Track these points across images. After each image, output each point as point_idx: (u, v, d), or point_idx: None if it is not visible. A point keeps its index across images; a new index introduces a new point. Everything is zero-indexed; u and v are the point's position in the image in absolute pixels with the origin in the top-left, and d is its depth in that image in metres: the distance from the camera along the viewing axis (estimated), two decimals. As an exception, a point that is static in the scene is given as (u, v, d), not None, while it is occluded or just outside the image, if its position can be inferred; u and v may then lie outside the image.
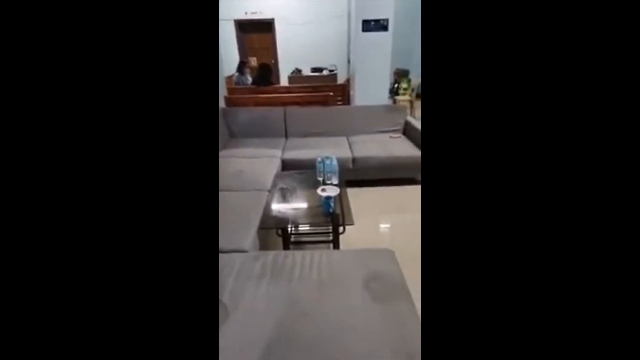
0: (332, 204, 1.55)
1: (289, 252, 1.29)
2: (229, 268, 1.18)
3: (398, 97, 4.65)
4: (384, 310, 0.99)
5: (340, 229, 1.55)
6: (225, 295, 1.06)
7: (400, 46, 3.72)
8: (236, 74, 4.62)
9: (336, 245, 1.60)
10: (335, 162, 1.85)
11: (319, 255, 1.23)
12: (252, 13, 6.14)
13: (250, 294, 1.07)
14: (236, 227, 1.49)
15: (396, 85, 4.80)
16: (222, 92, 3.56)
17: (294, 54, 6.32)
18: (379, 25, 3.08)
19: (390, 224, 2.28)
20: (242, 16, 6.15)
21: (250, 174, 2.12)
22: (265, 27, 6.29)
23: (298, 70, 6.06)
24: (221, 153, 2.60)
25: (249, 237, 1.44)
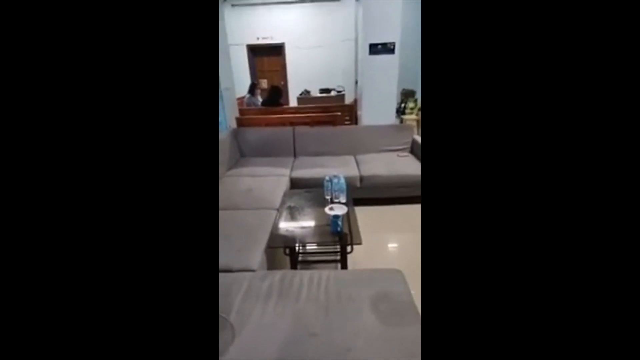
0: (340, 223, 1.56)
1: (297, 272, 1.29)
2: (237, 287, 1.18)
3: (405, 117, 4.70)
4: (393, 332, 0.98)
5: (348, 248, 1.54)
6: (232, 314, 1.06)
7: (406, 68, 3.82)
8: (247, 96, 4.78)
9: (344, 265, 1.59)
10: (343, 181, 1.87)
11: (327, 275, 1.23)
12: (264, 38, 6.42)
13: (258, 313, 1.06)
14: (244, 245, 1.50)
15: (403, 105, 4.87)
16: (234, 113, 3.68)
17: (303, 75, 6.52)
18: (386, 48, 3.18)
19: (398, 243, 2.25)
20: (253, 41, 6.43)
21: (259, 192, 2.15)
22: (275, 50, 6.55)
23: (307, 92, 6.23)
24: (231, 172, 2.66)
25: (257, 256, 1.45)
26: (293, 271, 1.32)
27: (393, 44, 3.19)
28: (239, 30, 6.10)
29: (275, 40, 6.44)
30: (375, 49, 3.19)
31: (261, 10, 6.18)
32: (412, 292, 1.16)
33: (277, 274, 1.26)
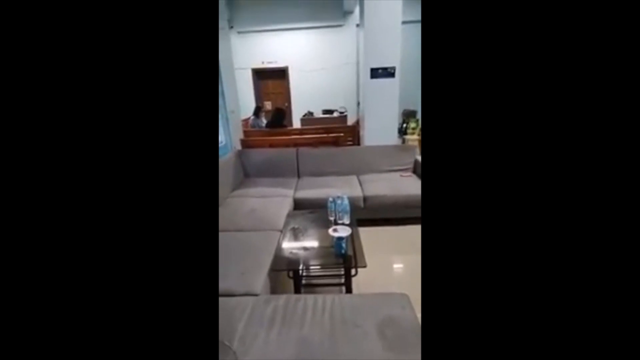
0: (344, 245, 1.55)
1: (301, 296, 1.27)
2: (240, 312, 1.16)
3: (407, 137, 4.77)
4: (399, 359, 0.95)
5: (353, 271, 1.52)
6: (235, 341, 1.04)
7: (407, 89, 3.91)
8: (252, 117, 4.89)
9: (349, 288, 1.56)
10: (346, 202, 1.87)
11: (331, 300, 1.21)
12: (268, 62, 6.65)
13: (261, 340, 1.04)
14: (248, 268, 1.49)
15: (404, 125, 4.95)
16: (239, 134, 3.76)
17: (306, 97, 6.68)
18: (387, 72, 3.27)
19: (403, 264, 2.22)
20: (258, 65, 6.66)
21: (263, 213, 2.15)
22: (279, 74, 6.76)
23: (310, 113, 6.36)
24: (235, 192, 2.67)
25: (261, 280, 1.44)
26: (297, 295, 1.30)
27: (393, 68, 3.28)
28: (245, 55, 6.33)
29: (280, 64, 6.66)
30: (376, 72, 3.29)
31: (266, 37, 6.44)
32: (419, 315, 1.13)
33: (281, 299, 1.24)
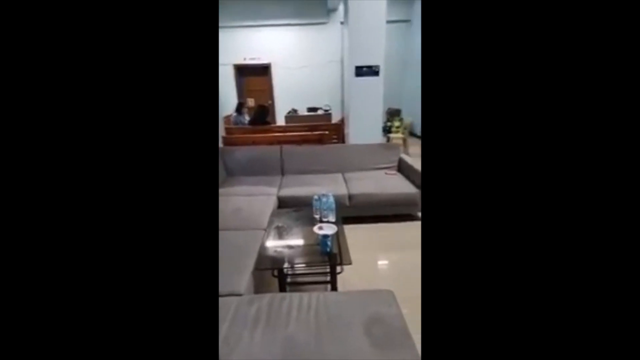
0: (329, 243, 1.54)
1: (286, 295, 1.25)
2: (224, 313, 1.13)
3: (391, 135, 4.82)
4: (386, 357, 0.95)
5: (338, 268, 1.52)
6: (219, 342, 1.00)
7: (391, 88, 3.96)
8: (234, 114, 4.79)
9: (334, 286, 1.55)
10: (332, 199, 1.86)
11: (316, 298, 1.19)
12: (251, 58, 6.54)
13: (246, 341, 1.01)
14: (231, 268, 1.45)
15: (389, 124, 5.00)
16: (221, 131, 3.67)
17: (290, 95, 6.63)
18: (371, 70, 3.29)
19: (388, 261, 2.24)
20: (241, 61, 6.53)
21: (246, 212, 2.11)
22: (262, 71, 6.66)
23: (294, 110, 6.31)
24: (219, 191, 2.61)
25: (244, 279, 1.41)
26: (282, 294, 1.27)
27: (378, 66, 3.30)
28: (226, 51, 6.19)
29: (262, 61, 6.56)
30: (361, 71, 3.30)
31: (248, 32, 6.32)
32: (404, 311, 1.14)
33: (265, 298, 1.21)
